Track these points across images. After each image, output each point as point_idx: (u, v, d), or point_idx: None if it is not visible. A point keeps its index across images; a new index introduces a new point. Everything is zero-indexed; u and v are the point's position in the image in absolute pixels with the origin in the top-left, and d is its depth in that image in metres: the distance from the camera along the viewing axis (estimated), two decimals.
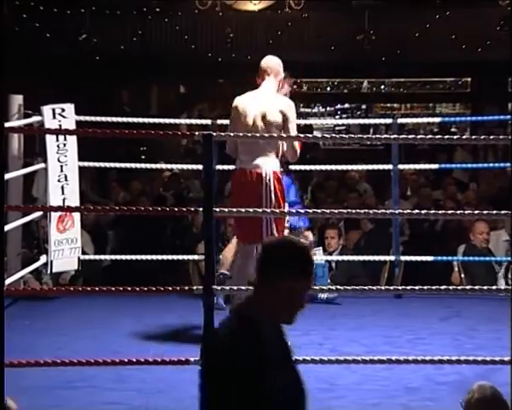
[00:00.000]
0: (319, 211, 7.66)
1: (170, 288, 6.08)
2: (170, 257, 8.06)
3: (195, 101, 14.43)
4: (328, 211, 7.98)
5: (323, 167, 10.70)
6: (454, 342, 6.92)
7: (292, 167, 7.73)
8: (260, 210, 6.42)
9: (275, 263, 3.20)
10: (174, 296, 6.37)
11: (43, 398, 5.23)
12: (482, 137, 7.84)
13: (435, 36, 13.67)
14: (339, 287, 8.07)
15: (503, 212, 6.97)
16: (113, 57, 13.72)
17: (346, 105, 17.49)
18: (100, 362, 5.74)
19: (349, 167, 10.72)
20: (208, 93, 14.08)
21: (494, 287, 7.91)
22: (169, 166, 10.68)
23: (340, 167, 10.56)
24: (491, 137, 7.75)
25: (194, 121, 9.08)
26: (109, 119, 8.11)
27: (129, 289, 6.05)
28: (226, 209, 6.69)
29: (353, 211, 8.66)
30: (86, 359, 5.71)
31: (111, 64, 13.74)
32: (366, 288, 6.84)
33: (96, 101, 9.37)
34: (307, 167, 10.34)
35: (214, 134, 5.83)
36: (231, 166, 8.53)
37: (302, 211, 8.11)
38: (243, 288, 5.82)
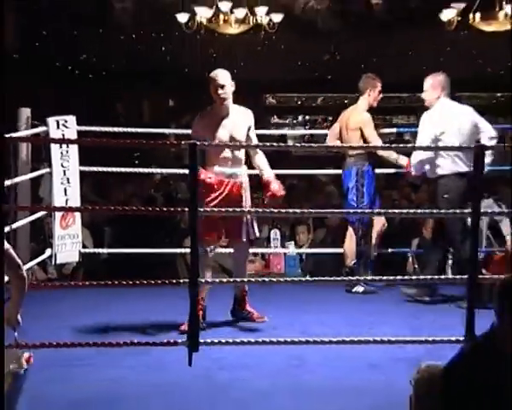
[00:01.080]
0: (291, 211, 7.65)
1: (159, 281, 6.06)
2: (160, 250, 8.04)
3: (183, 113, 14.37)
4: (298, 211, 7.97)
5: (295, 172, 10.72)
6: (409, 324, 6.94)
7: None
8: (245, 209, 6.50)
9: None
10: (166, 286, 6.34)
11: (43, 375, 5.18)
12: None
13: (391, 57, 13.71)
14: (313, 278, 8.12)
15: (451, 211, 7.06)
16: (109, 74, 13.71)
17: (315, 117, 17.46)
18: (98, 343, 5.72)
19: (317, 172, 10.73)
20: (194, 106, 13.99)
21: (443, 276, 7.93)
22: (159, 170, 10.72)
23: (309, 172, 10.59)
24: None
25: (181, 131, 9.00)
26: (107, 128, 8.10)
27: (123, 282, 5.99)
28: (209, 209, 6.70)
29: (321, 210, 8.78)
30: (85, 341, 5.69)
31: (108, 80, 13.73)
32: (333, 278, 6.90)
33: (95, 113, 9.31)
34: (281, 171, 10.36)
35: (198, 143, 5.81)
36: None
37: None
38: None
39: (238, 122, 6.83)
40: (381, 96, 8.36)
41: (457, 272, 7.41)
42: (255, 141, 7.03)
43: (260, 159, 6.98)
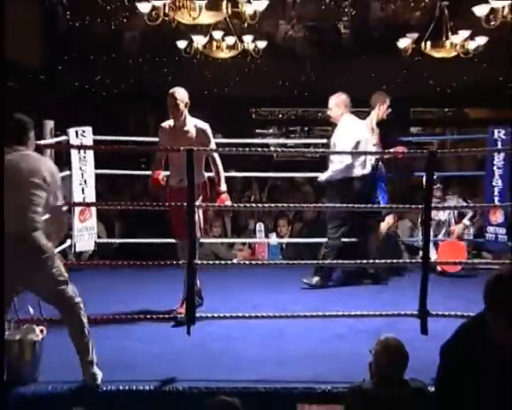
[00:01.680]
0: (273, 205, 7.67)
1: (162, 262, 6.05)
2: (163, 240, 7.99)
3: None
4: (280, 205, 7.98)
5: (276, 174, 10.73)
6: (370, 300, 6.99)
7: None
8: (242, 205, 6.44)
9: None
10: (168, 270, 6.32)
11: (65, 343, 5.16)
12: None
13: (357, 79, 13.71)
14: (292, 261, 8.11)
15: (407, 206, 7.11)
16: (119, 93, 13.69)
17: (294, 128, 17.44)
18: (110, 318, 5.71)
19: (295, 174, 10.73)
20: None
21: (401, 260, 7.96)
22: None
23: (288, 174, 10.59)
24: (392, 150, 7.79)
25: None
26: (118, 138, 8.08)
27: (131, 263, 6.09)
28: (204, 204, 6.67)
29: (298, 205, 8.81)
30: (100, 316, 5.68)
31: (118, 98, 13.70)
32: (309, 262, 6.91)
33: (108, 125, 9.31)
34: (265, 174, 10.40)
35: (194, 149, 5.79)
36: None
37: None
38: None
39: (192, 135, 6.52)
40: (389, 110, 8.30)
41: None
42: (214, 150, 6.72)
43: (218, 171, 6.65)
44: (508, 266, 4.12)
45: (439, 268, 8.30)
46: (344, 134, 7.81)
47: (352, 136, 7.76)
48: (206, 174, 6.63)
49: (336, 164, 7.81)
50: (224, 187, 6.59)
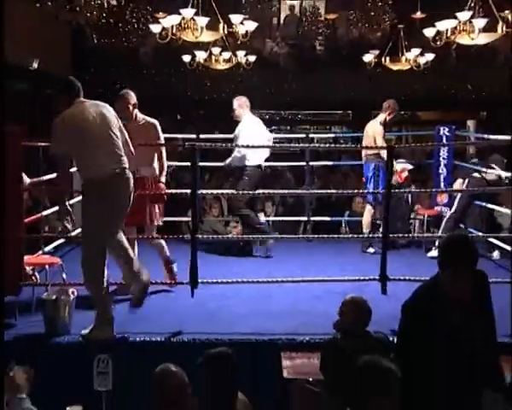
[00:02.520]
0: (261, 191, 7.63)
1: (171, 236, 6.03)
2: (172, 219, 7.92)
3: (186, 123, 14.24)
4: (266, 191, 7.95)
5: (264, 163, 10.67)
6: (340, 267, 6.93)
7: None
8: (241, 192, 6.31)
9: None
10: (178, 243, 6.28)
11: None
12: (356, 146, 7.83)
13: (330, 87, 13.69)
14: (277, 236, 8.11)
15: (370, 191, 7.06)
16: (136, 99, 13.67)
17: (278, 127, 17.35)
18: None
19: (280, 164, 10.68)
20: (194, 118, 13.94)
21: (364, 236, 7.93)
22: (171, 163, 10.60)
23: (274, 164, 10.54)
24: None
25: (186, 136, 8.88)
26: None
27: (145, 237, 6.13)
28: (204, 191, 6.61)
29: (281, 192, 8.79)
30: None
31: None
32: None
33: None
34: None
35: (196, 145, 5.74)
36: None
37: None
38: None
39: (143, 131, 6.05)
40: (393, 115, 8.21)
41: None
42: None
43: (162, 164, 6.26)
44: (455, 234, 4.12)
45: None
46: (243, 129, 7.72)
47: (249, 131, 7.67)
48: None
49: (235, 153, 7.76)
50: (163, 179, 6.26)
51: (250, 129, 7.71)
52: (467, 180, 7.90)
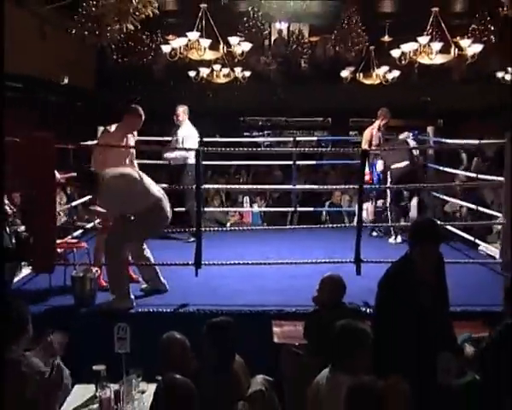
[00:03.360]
0: (255, 186, 7.61)
1: (177, 229, 6.00)
2: (178, 209, 7.86)
3: None
4: (259, 186, 7.93)
5: (258, 162, 10.66)
6: (321, 250, 6.83)
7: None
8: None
9: None
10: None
11: None
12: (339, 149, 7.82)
13: (313, 98, 13.65)
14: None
15: (347, 186, 7.02)
16: (150, 108, 13.61)
17: (270, 131, 17.26)
18: (142, 264, 5.62)
19: (270, 163, 10.66)
20: (197, 125, 13.90)
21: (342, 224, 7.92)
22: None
23: (265, 162, 10.54)
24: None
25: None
26: (148, 138, 7.95)
27: None
28: (207, 186, 6.55)
29: (272, 187, 8.75)
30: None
31: (149, 111, 13.61)
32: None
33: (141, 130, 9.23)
34: (249, 162, 10.33)
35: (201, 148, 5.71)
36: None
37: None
38: None
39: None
40: (386, 120, 8.03)
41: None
42: None
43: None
44: (424, 218, 4.16)
45: None
46: (189, 134, 7.78)
47: (193, 136, 7.79)
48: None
49: (182, 153, 7.76)
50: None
51: (193, 134, 7.82)
52: (389, 173, 7.83)
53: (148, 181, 5.20)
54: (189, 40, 8.04)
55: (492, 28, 10.17)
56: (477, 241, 6.93)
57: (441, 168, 7.79)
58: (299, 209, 8.39)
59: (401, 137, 8.28)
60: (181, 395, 2.70)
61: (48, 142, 5.21)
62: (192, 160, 7.53)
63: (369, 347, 3.11)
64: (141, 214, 4.97)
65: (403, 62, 8.77)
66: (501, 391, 3.12)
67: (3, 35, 3.42)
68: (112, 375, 3.52)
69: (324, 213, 9.30)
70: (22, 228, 6.27)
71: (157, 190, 5.19)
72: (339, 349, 3.14)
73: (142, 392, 3.51)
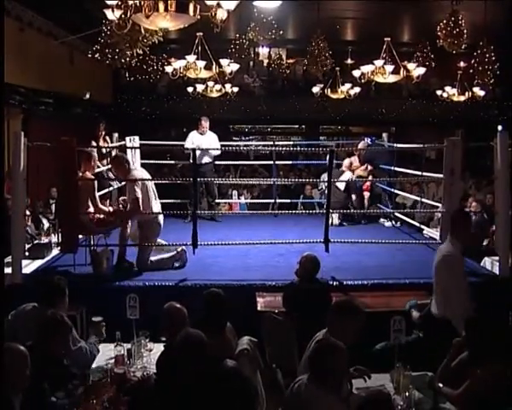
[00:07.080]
0: (245, 179, 7.56)
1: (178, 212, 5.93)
2: (180, 200, 7.84)
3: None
4: (246, 180, 7.88)
5: (245, 162, 10.64)
6: (297, 233, 6.80)
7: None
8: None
9: None
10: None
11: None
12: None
13: (289, 109, 13.64)
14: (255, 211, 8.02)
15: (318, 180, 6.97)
16: (155, 117, 13.54)
17: (253, 137, 17.16)
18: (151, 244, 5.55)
19: (254, 162, 10.63)
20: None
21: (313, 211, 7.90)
22: (181, 162, 10.47)
23: (250, 162, 10.51)
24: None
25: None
26: (154, 142, 7.88)
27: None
28: (204, 179, 6.46)
29: (257, 180, 8.67)
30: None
31: (154, 120, 13.53)
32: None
33: (148, 135, 9.12)
34: (239, 162, 10.27)
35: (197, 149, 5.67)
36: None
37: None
38: None
39: None
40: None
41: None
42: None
43: None
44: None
45: None
46: (209, 139, 7.94)
47: (214, 141, 7.93)
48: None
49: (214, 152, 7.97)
50: None
51: (217, 139, 8.01)
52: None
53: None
54: (188, 62, 7.99)
55: (432, 55, 10.50)
56: (422, 226, 7.09)
57: (392, 168, 7.81)
58: (278, 201, 8.39)
59: (360, 146, 8.23)
60: (195, 342, 2.61)
61: (69, 146, 5.18)
62: (203, 160, 7.83)
63: (363, 320, 2.99)
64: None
65: (362, 81, 8.79)
66: (438, 346, 3.22)
67: (3, 35, 3.32)
68: (124, 336, 3.50)
69: (299, 203, 9.30)
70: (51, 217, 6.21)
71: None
72: (336, 317, 3.00)
73: (150, 350, 3.50)
